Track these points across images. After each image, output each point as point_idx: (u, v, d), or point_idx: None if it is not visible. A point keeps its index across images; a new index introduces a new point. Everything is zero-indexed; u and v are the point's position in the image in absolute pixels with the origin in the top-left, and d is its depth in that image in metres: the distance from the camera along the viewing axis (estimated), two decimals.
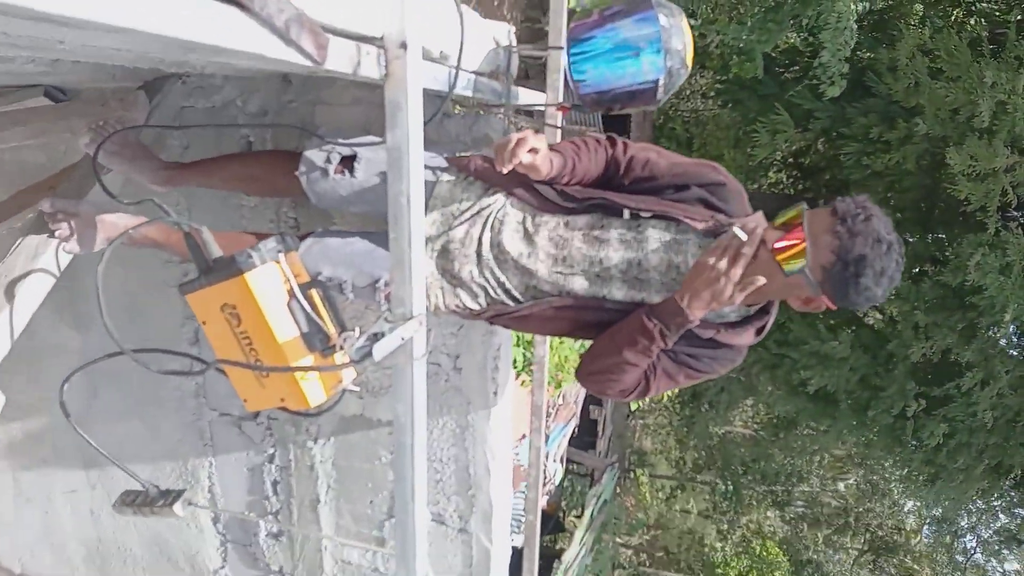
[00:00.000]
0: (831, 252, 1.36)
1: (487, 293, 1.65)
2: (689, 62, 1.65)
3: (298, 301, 1.43)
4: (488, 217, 1.62)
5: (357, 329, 1.47)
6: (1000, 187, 5.14)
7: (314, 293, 1.46)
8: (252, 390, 1.50)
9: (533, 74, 2.38)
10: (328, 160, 1.70)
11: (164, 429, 2.65)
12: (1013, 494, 8.78)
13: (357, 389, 2.31)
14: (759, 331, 1.58)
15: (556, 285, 1.58)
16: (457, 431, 2.22)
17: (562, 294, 1.58)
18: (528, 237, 1.59)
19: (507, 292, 1.63)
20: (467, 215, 1.63)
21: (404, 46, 1.19)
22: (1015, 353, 6.23)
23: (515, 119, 1.87)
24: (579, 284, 1.57)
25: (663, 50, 1.59)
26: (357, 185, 1.69)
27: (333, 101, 2.13)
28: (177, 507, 1.61)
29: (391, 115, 1.23)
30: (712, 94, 10.45)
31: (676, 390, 7.85)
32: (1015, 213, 6.15)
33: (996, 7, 7.54)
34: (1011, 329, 5.86)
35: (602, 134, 1.61)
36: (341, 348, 1.47)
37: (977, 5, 7.86)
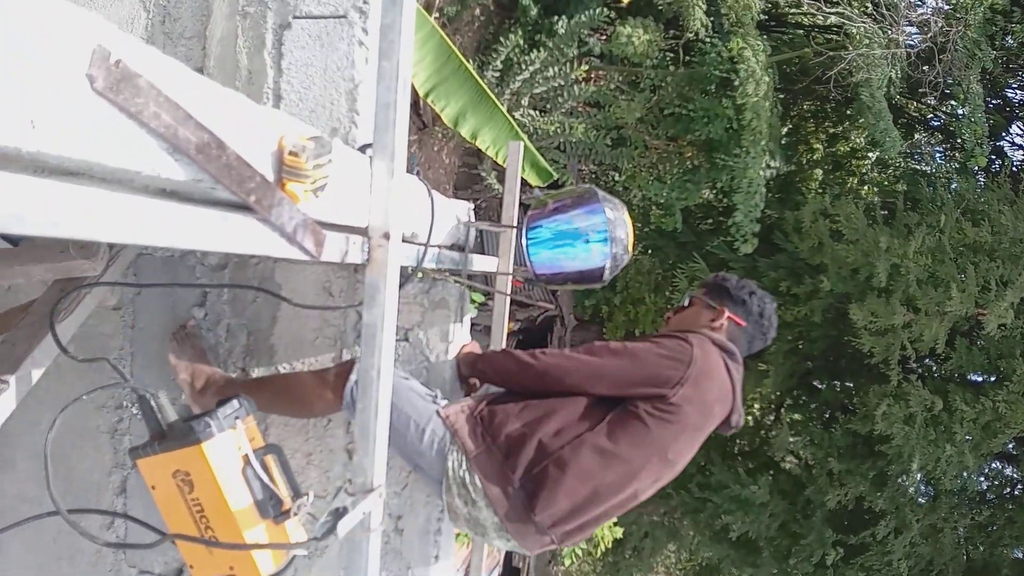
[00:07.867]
0: None
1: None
2: (631, 248, 1.82)
3: (253, 468, 1.43)
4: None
5: (311, 493, 1.49)
6: (899, 342, 5.54)
7: (270, 458, 1.47)
8: (200, 558, 1.47)
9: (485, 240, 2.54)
10: None
11: None
12: None
13: (306, 553, 2.24)
14: None
15: None
16: None
17: None
18: None
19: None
20: None
21: (387, 236, 1.30)
22: (923, 501, 6.48)
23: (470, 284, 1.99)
24: None
25: (609, 239, 1.75)
26: None
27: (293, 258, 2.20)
28: None
29: (370, 296, 1.31)
30: None
31: (601, 541, 7.80)
32: (914, 366, 6.59)
33: (884, 177, 8.43)
34: (918, 478, 6.13)
35: None
36: (295, 514, 1.48)
37: (868, 175, 8.78)
